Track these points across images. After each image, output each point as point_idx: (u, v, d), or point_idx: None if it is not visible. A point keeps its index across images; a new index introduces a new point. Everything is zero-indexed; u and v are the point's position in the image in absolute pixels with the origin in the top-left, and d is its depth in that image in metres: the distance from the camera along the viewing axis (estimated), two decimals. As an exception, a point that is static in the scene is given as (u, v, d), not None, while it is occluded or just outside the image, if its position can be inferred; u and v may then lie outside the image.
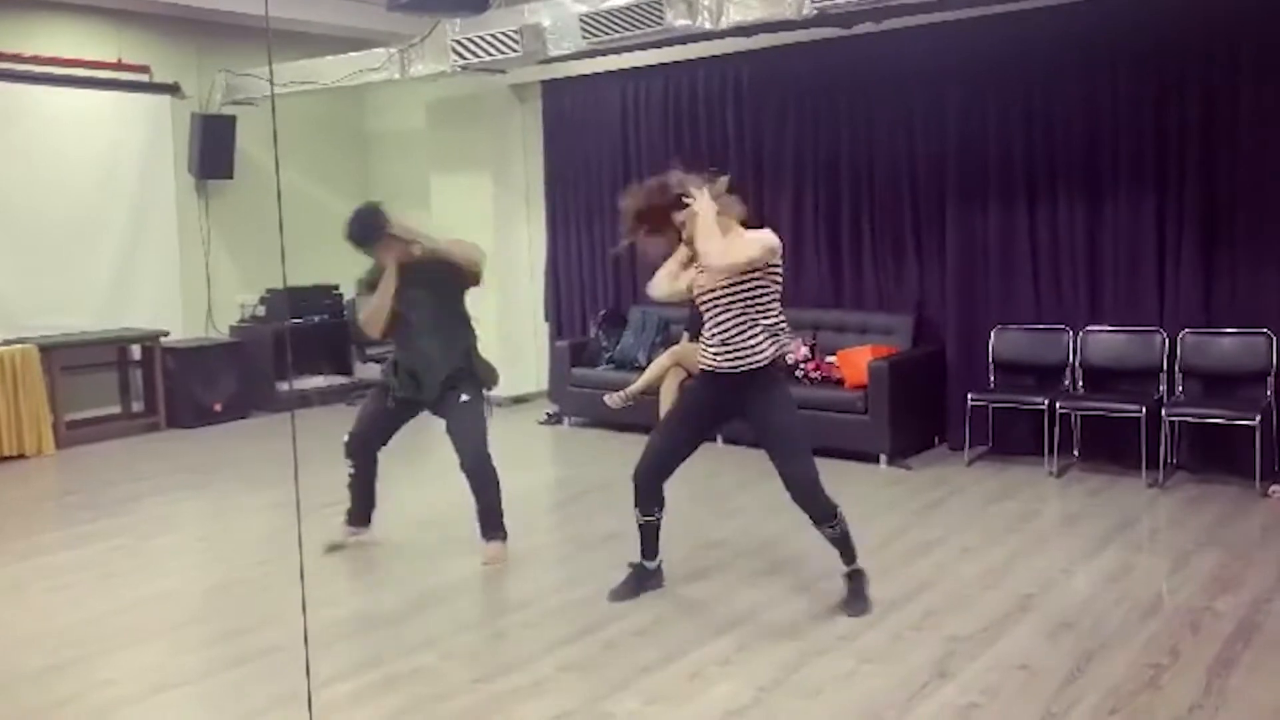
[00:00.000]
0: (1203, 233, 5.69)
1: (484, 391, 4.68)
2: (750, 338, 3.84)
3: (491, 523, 4.68)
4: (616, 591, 4.17)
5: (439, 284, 4.56)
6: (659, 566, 4.26)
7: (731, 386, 3.90)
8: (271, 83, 6.15)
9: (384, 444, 4.77)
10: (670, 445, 4.06)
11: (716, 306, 3.87)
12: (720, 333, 3.88)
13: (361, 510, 4.83)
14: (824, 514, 3.90)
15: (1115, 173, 5.91)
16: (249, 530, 5.32)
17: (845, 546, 3.98)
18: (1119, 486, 5.61)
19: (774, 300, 3.88)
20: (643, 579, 4.21)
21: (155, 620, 4.17)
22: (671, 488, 4.10)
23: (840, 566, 4.02)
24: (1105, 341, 5.99)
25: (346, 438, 4.74)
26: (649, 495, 4.09)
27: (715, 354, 3.91)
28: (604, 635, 3.84)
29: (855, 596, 3.98)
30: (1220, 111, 5.59)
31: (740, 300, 3.83)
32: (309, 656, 2.67)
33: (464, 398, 4.58)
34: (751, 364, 3.84)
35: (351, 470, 4.75)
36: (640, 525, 4.15)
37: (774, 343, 3.86)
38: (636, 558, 4.22)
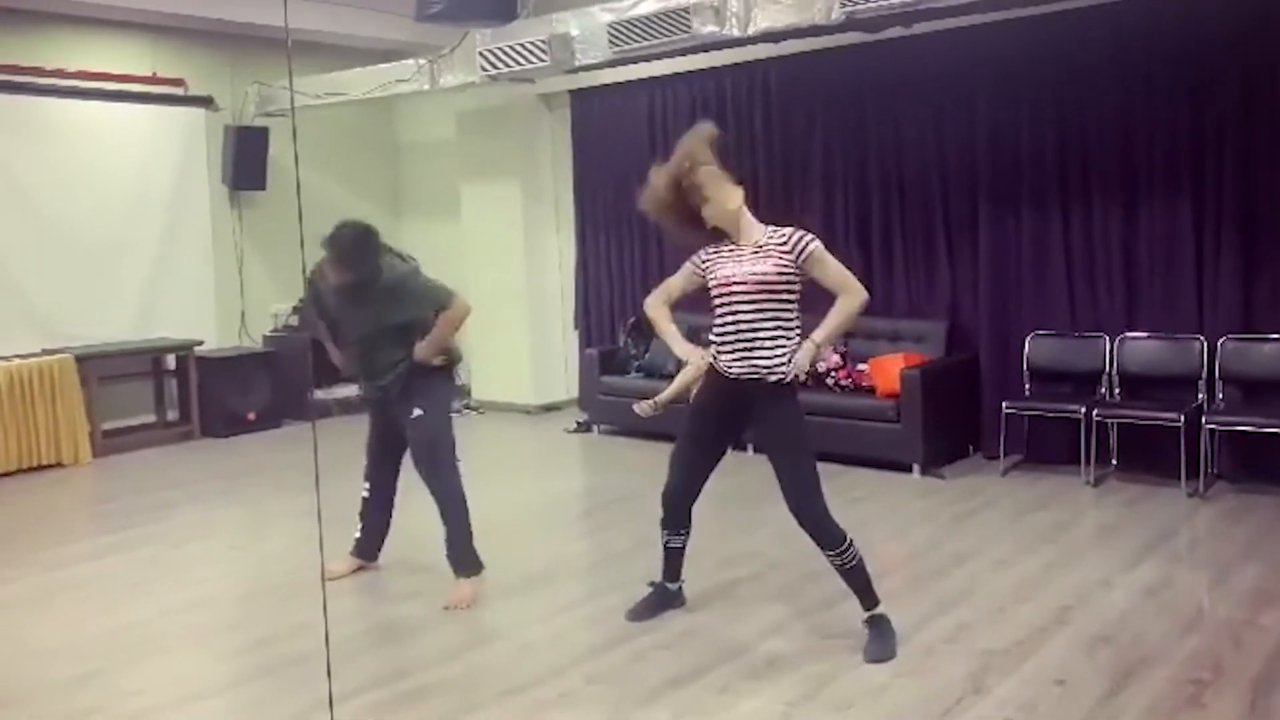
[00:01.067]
0: (1242, 235, 5.57)
1: (455, 383, 4.53)
2: (776, 343, 3.62)
3: (455, 556, 4.35)
4: (634, 610, 4.10)
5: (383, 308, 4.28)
6: (680, 589, 4.17)
7: (740, 393, 3.68)
8: (291, 93, 6.22)
9: (398, 463, 4.57)
10: (690, 464, 3.91)
11: (744, 303, 3.61)
12: (743, 332, 3.62)
13: (370, 542, 4.68)
14: (827, 539, 3.65)
15: (1150, 175, 5.81)
16: (280, 538, 5.33)
17: (859, 584, 3.70)
18: (1158, 497, 5.50)
19: (797, 306, 3.70)
20: (664, 600, 4.12)
21: (184, 629, 4.19)
22: (700, 499, 4.05)
23: (859, 611, 3.74)
24: (1142, 348, 5.89)
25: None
26: (677, 517, 4.00)
27: (732, 357, 3.66)
28: (632, 647, 3.81)
29: (875, 641, 3.67)
30: (1257, 111, 5.47)
31: (774, 298, 3.61)
32: (331, 666, 2.66)
33: (416, 412, 4.30)
34: (771, 372, 3.62)
35: (365, 494, 4.61)
36: (665, 546, 4.07)
37: (793, 353, 3.65)
38: (659, 575, 4.16)
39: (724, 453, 3.95)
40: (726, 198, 3.64)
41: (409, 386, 4.34)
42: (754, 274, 3.60)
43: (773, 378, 3.62)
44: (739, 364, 3.65)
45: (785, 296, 3.63)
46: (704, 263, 3.75)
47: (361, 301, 4.27)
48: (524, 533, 5.29)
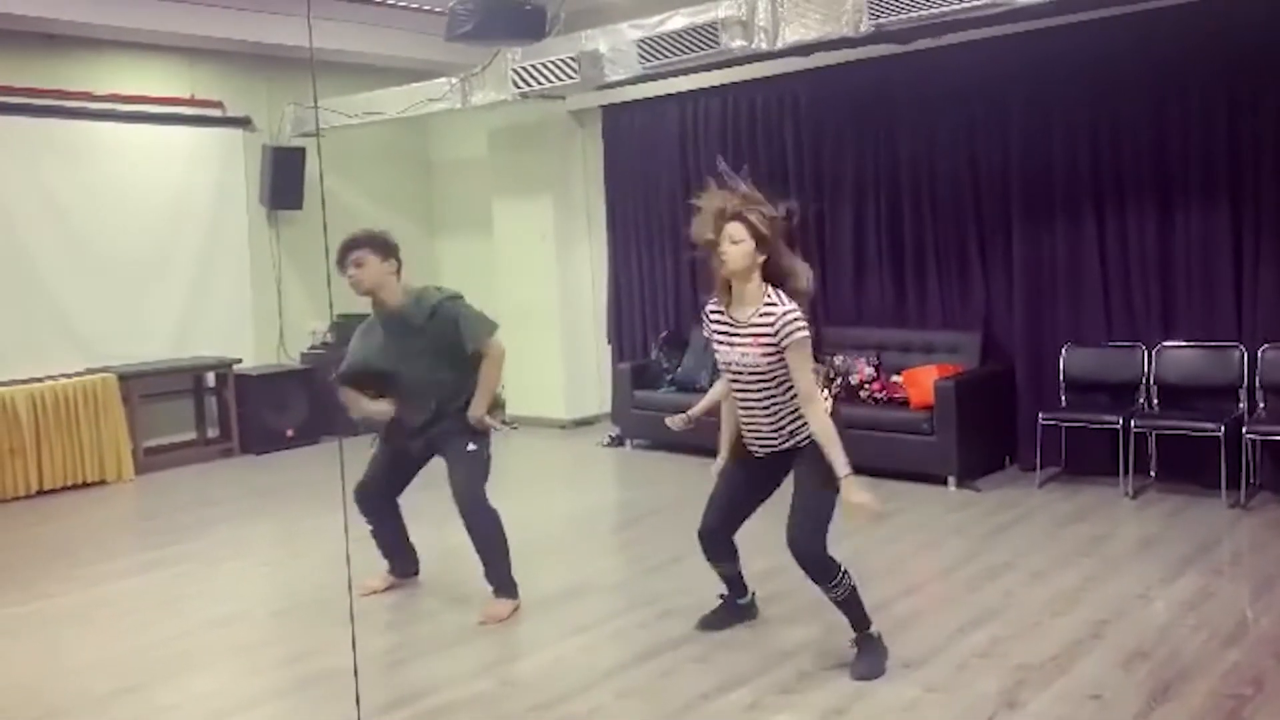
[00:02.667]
0: (1282, 243, 5.49)
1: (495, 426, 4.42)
2: (776, 421, 3.59)
3: (496, 579, 4.38)
4: (706, 620, 4.07)
5: (431, 336, 4.29)
6: (752, 600, 4.14)
7: (776, 458, 3.67)
8: (317, 112, 6.34)
9: (397, 493, 4.57)
10: (722, 512, 3.88)
11: (752, 382, 3.56)
12: (749, 413, 3.62)
13: (399, 563, 4.70)
14: (819, 575, 3.57)
15: (1186, 183, 5.73)
16: (315, 554, 5.36)
17: (851, 610, 3.63)
18: (1198, 508, 5.41)
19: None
20: (735, 612, 4.10)
21: (219, 645, 4.24)
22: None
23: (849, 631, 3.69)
24: (1181, 358, 5.80)
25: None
26: (717, 550, 3.95)
27: (755, 436, 3.66)
28: (663, 662, 3.81)
29: (862, 658, 3.63)
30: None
31: (766, 382, 3.54)
32: (364, 681, 2.69)
33: (471, 446, 4.30)
34: (799, 441, 3.60)
35: (368, 525, 4.58)
36: (719, 574, 4.05)
37: (797, 418, 3.57)
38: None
39: (759, 504, 3.87)
40: (737, 257, 3.49)
41: (456, 424, 4.31)
42: (744, 363, 3.55)
43: (784, 448, 3.60)
44: (754, 444, 3.69)
45: (778, 376, 3.53)
46: (711, 322, 3.69)
47: (409, 332, 4.30)
48: (557, 547, 5.31)
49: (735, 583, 4.09)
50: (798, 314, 3.47)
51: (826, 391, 3.65)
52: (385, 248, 4.29)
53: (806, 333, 3.46)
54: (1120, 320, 6.03)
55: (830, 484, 3.48)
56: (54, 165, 7.53)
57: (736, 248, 3.49)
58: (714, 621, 4.08)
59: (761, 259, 3.51)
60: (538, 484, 6.78)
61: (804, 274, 3.59)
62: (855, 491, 3.45)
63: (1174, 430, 5.66)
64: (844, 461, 3.45)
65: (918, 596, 4.39)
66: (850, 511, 3.47)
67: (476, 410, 4.28)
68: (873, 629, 3.67)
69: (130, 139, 7.93)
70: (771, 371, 3.52)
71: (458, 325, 4.26)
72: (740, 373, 3.58)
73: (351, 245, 4.27)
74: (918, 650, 3.77)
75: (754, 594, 4.15)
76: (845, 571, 3.60)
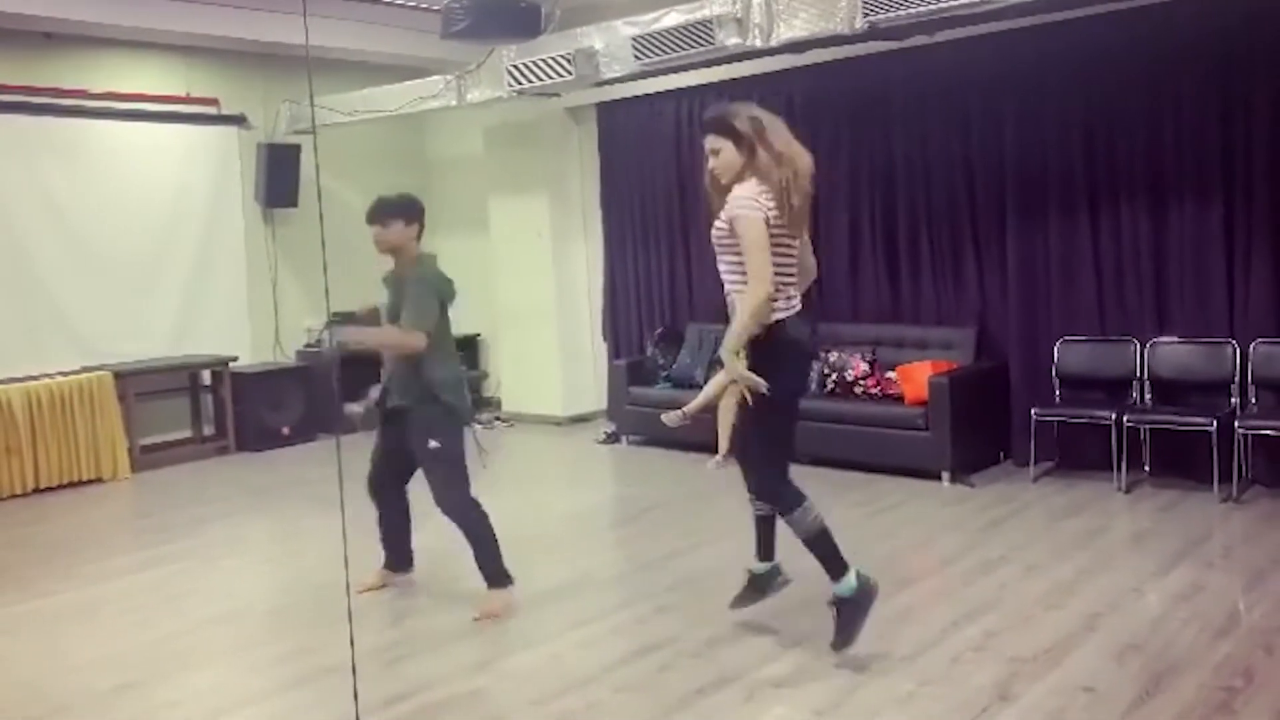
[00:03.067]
0: (1273, 238, 5.51)
1: (468, 424, 4.41)
2: (729, 300, 3.54)
3: (489, 571, 4.38)
4: (739, 598, 4.00)
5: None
6: (775, 569, 3.99)
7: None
8: (313, 109, 6.35)
9: (405, 480, 4.58)
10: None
11: (717, 255, 3.58)
12: (727, 287, 3.58)
13: (394, 556, 4.72)
14: (780, 506, 3.60)
15: (1180, 179, 5.77)
16: (313, 552, 5.39)
17: (820, 550, 3.55)
18: (1190, 502, 5.45)
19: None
20: (758, 585, 3.99)
21: (219, 642, 4.26)
22: (735, 508, 4.01)
23: (827, 589, 3.61)
24: (1173, 353, 5.84)
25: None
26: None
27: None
28: (660, 656, 3.83)
29: (840, 627, 3.59)
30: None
31: (721, 256, 3.54)
32: (362, 678, 2.70)
33: (433, 444, 4.28)
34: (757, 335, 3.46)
35: (377, 511, 4.63)
36: (755, 516, 3.94)
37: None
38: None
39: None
40: (723, 167, 3.55)
41: (425, 414, 4.31)
42: (713, 230, 3.55)
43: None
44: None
45: (730, 256, 3.51)
46: None
47: (399, 298, 4.38)
48: (553, 543, 5.33)
49: (764, 537, 3.91)
50: (751, 197, 3.41)
51: (792, 290, 3.53)
52: (411, 213, 4.44)
53: (751, 212, 3.39)
54: (1114, 316, 6.07)
55: (767, 405, 3.45)
56: (50, 163, 7.54)
57: (719, 158, 3.53)
58: (743, 600, 4.00)
59: (748, 156, 3.48)
60: (534, 480, 6.80)
61: (795, 158, 3.50)
62: (730, 369, 3.44)
63: (1167, 425, 5.69)
64: (736, 338, 3.39)
65: (912, 591, 4.41)
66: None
67: (346, 334, 4.56)
68: (850, 574, 3.57)
69: (126, 137, 7.93)
70: (721, 245, 3.52)
71: (405, 301, 4.31)
72: (715, 248, 3.59)
73: (385, 209, 4.40)
74: (912, 644, 3.80)
75: (778, 563, 4.00)
76: (807, 505, 3.56)
